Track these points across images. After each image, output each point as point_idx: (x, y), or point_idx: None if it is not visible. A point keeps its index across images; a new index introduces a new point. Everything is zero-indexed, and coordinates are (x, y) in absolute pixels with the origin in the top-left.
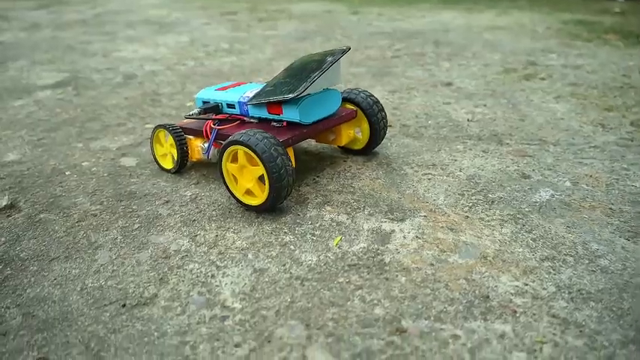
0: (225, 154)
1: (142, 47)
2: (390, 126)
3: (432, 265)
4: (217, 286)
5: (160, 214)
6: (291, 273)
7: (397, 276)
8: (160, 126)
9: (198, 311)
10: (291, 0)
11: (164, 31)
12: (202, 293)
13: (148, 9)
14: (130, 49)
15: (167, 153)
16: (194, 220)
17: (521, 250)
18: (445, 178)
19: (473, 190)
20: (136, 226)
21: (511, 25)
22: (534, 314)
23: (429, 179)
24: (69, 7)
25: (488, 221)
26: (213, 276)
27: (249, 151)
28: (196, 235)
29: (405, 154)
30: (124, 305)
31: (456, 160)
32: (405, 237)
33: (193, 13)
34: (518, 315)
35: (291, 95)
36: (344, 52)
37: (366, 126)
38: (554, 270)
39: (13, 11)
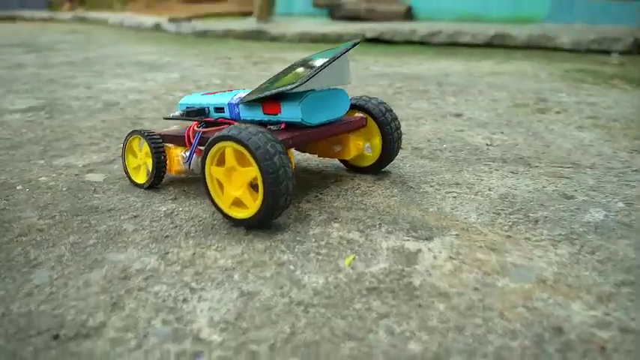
0: (210, 155)
1: (128, 81)
2: (401, 148)
3: (476, 289)
4: (190, 312)
5: (124, 230)
6: (290, 297)
7: (433, 302)
8: (134, 132)
9: (161, 345)
10: (285, 50)
11: (154, 71)
12: (168, 322)
13: (141, 55)
14: (116, 82)
15: (141, 164)
16: (167, 236)
17: (587, 273)
18: (473, 196)
19: (509, 209)
20: (91, 242)
21: (512, 71)
22: (629, 351)
23: (455, 197)
24: (59, 52)
25: (536, 241)
26: (185, 300)
27: (240, 147)
28: (167, 253)
29: (421, 174)
30: (56, 337)
31: (482, 180)
32: (435, 257)
33: (187, 58)
34: (608, 352)
35: (292, 86)
36: (354, 44)
37: (376, 141)
38: (637, 297)
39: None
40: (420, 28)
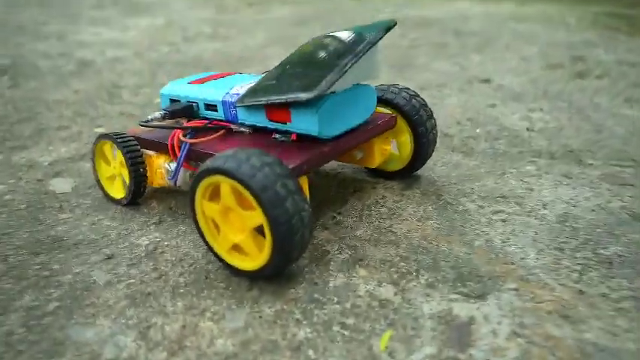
0: (200, 188)
1: (107, 30)
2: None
3: None
4: None
5: (95, 283)
6: None
7: None
8: (103, 136)
9: None
10: None
11: (137, 13)
12: None
13: None
14: (92, 31)
15: (116, 174)
16: (149, 293)
17: None
18: (526, 219)
19: (574, 242)
20: (52, 306)
21: (537, 15)
22: None
23: (504, 221)
24: None
25: (616, 300)
26: None
27: (239, 187)
28: (150, 327)
29: (458, 179)
30: None
31: (532, 190)
32: (495, 332)
33: None
34: None
35: (307, 95)
36: (389, 28)
37: (405, 138)
38: None
39: None
40: None
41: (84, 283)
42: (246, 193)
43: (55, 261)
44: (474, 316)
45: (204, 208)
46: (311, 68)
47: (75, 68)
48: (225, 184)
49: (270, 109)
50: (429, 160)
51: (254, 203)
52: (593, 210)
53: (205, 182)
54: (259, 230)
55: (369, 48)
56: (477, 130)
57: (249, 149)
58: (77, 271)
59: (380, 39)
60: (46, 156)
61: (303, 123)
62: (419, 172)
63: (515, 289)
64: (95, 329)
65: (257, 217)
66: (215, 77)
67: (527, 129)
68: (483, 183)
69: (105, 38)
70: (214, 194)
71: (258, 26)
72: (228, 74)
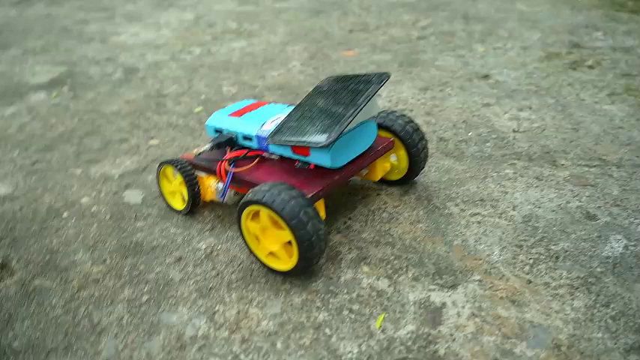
0: (245, 212)
1: (142, 29)
2: (426, 140)
3: (496, 359)
4: None
5: (172, 280)
6: None
7: None
8: (166, 162)
9: None
10: None
11: (166, 5)
12: None
13: None
14: (130, 32)
15: (176, 191)
16: (211, 287)
17: (600, 335)
18: (497, 220)
19: (532, 240)
20: (145, 298)
21: None
22: None
23: (479, 222)
24: None
25: (555, 288)
26: None
27: (274, 215)
28: (215, 313)
29: (447, 184)
30: None
31: (506, 193)
32: (459, 314)
33: None
34: None
35: (322, 142)
36: (382, 81)
37: (403, 152)
38: None
39: None
40: None
41: (164, 279)
42: (279, 219)
43: (140, 262)
44: (445, 302)
45: (248, 225)
46: (324, 115)
47: (122, 76)
48: (264, 212)
49: (294, 146)
50: (426, 166)
51: (284, 226)
52: (553, 210)
53: (249, 209)
54: (290, 242)
55: (368, 101)
56: (470, 134)
57: (280, 185)
58: (158, 270)
59: (375, 92)
60: (115, 169)
61: (318, 158)
62: (417, 177)
63: (480, 280)
64: (177, 314)
65: (287, 235)
66: (250, 109)
67: (514, 130)
68: (467, 187)
69: (143, 40)
70: (255, 216)
71: (278, 18)
72: (261, 104)
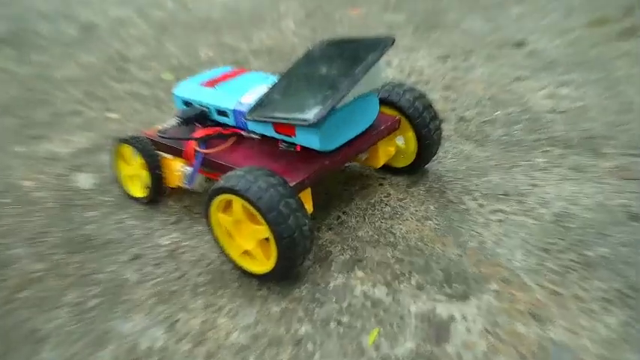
0: (215, 202)
1: None
2: (443, 121)
3: None
4: None
5: (127, 281)
6: None
7: None
8: (123, 140)
9: None
10: None
11: None
12: None
13: None
14: None
15: (135, 175)
16: (173, 291)
17: (635, 358)
18: (523, 219)
19: (562, 243)
20: (94, 302)
21: None
22: None
23: (500, 221)
24: None
25: (586, 301)
26: None
27: (248, 205)
28: (176, 321)
29: (464, 174)
30: None
31: (536, 186)
32: (469, 330)
33: None
34: None
35: (310, 119)
36: (385, 46)
37: (410, 134)
38: None
39: None
40: None
41: (118, 280)
42: (255, 211)
43: (90, 260)
44: (453, 315)
45: (219, 218)
46: (313, 86)
47: (78, 35)
48: (237, 202)
49: (276, 123)
50: (441, 150)
51: (261, 219)
52: (590, 208)
53: (220, 198)
54: (267, 239)
55: (367, 71)
56: (497, 113)
57: (257, 170)
58: (110, 270)
59: (377, 60)
60: (65, 147)
61: (306, 138)
62: (428, 164)
63: (496, 291)
64: (132, 323)
65: (264, 231)
66: (226, 77)
67: (550, 110)
68: (489, 179)
69: None
70: (227, 206)
71: None
72: (240, 72)
